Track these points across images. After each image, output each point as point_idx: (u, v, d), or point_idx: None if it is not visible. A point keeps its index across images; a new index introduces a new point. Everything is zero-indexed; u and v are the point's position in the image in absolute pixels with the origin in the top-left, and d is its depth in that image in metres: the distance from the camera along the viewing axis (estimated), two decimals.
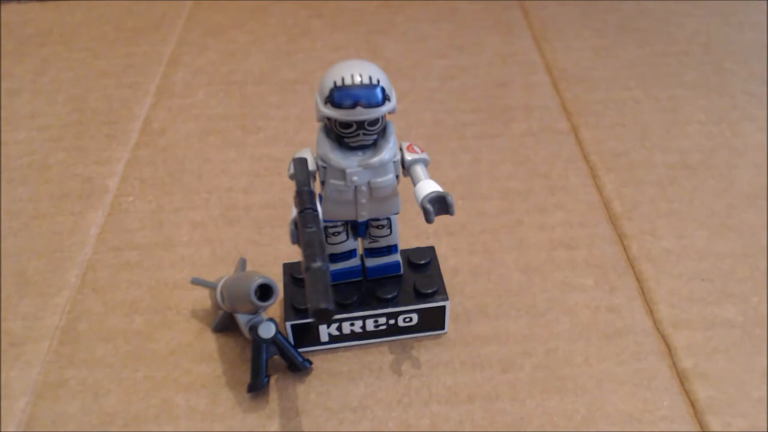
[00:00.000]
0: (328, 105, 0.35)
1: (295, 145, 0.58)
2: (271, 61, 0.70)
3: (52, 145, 0.59)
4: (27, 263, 0.48)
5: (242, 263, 0.46)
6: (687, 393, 0.40)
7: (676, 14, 0.76)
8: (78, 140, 0.60)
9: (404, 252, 0.43)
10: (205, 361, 0.42)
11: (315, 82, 0.65)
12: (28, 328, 0.44)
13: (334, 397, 0.40)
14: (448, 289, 0.42)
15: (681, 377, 0.40)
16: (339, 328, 0.41)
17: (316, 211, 0.34)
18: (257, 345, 0.39)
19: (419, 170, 0.37)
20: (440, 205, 0.35)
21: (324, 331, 0.41)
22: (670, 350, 0.42)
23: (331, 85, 0.34)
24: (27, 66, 0.70)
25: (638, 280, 0.46)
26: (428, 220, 0.35)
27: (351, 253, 0.41)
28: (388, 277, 0.42)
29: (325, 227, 0.40)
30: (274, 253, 0.48)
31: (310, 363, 0.41)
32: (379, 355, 0.42)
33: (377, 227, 0.40)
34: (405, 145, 0.38)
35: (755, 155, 0.56)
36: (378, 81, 0.35)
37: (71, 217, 0.52)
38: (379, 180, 0.37)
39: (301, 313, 0.41)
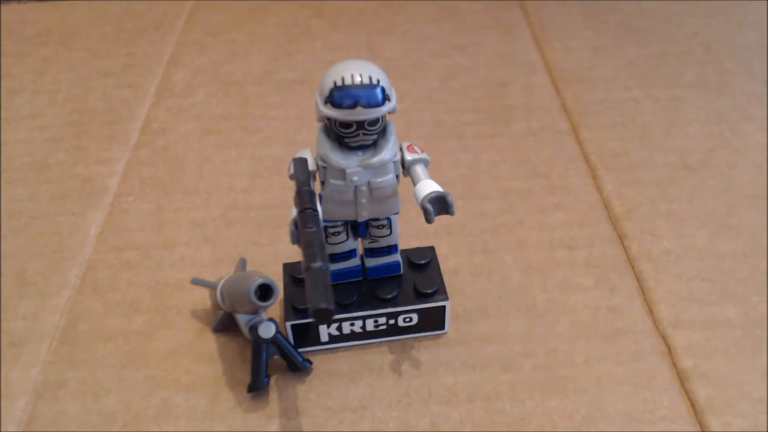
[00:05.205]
0: (328, 105, 0.35)
1: (295, 145, 0.58)
2: (271, 61, 0.70)
3: (52, 145, 0.59)
4: (27, 263, 0.48)
5: (242, 263, 0.46)
6: (687, 393, 0.40)
7: (676, 14, 0.76)
8: (78, 140, 0.60)
9: (404, 252, 0.43)
10: (205, 361, 0.42)
11: (315, 82, 0.65)
12: (28, 328, 0.44)
13: (334, 397, 0.40)
14: (448, 289, 0.42)
15: (681, 377, 0.40)
16: (339, 328, 0.41)
17: (316, 211, 0.34)
18: (257, 345, 0.39)
19: (419, 170, 0.37)
20: (440, 205, 0.35)
21: (324, 331, 0.41)
22: (670, 350, 0.42)
23: (331, 85, 0.34)
24: (27, 66, 0.70)
25: (638, 280, 0.46)
26: (428, 220, 0.35)
27: (351, 253, 0.41)
28: (388, 277, 0.42)
29: (325, 227, 0.40)
30: (274, 253, 0.48)
31: (310, 363, 0.41)
32: (379, 355, 0.42)
33: (377, 227, 0.40)
34: (405, 145, 0.38)
35: (755, 155, 0.56)
36: (378, 81, 0.35)
37: (71, 217, 0.52)
38: (379, 180, 0.37)
39: (301, 313, 0.41)
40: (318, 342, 0.42)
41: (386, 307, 0.41)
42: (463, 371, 0.41)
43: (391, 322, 0.42)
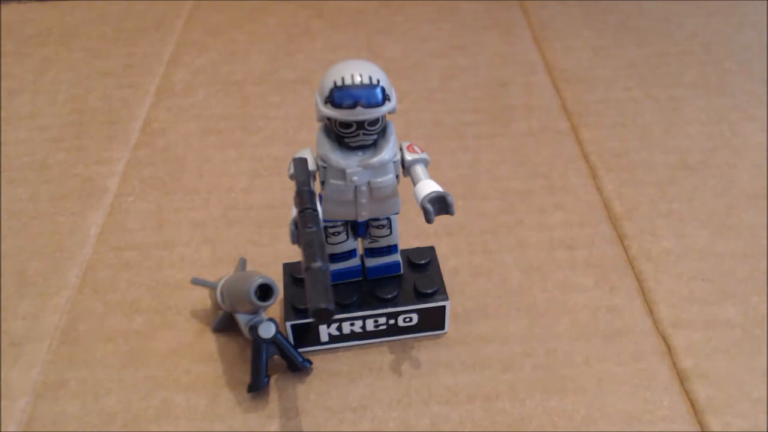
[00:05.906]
0: (328, 105, 0.35)
1: (295, 145, 0.58)
2: (271, 61, 0.70)
3: (52, 145, 0.59)
4: (27, 263, 0.48)
5: (242, 263, 0.46)
6: (687, 393, 0.40)
7: (676, 14, 0.76)
8: (78, 140, 0.60)
9: (404, 252, 0.43)
10: (205, 361, 0.42)
11: (315, 82, 0.65)
12: (28, 328, 0.44)
13: (334, 397, 0.40)
14: (448, 289, 0.42)
15: (681, 377, 0.40)
16: (339, 328, 0.41)
17: (316, 211, 0.34)
18: (257, 345, 0.39)
19: (419, 170, 0.37)
20: (440, 205, 0.35)
21: (324, 331, 0.41)
22: (670, 350, 0.42)
23: (331, 85, 0.34)
24: (27, 66, 0.70)
25: (638, 280, 0.46)
26: (428, 220, 0.35)
27: (351, 253, 0.41)
28: (388, 277, 0.42)
29: (325, 227, 0.40)
30: (274, 253, 0.48)
31: (310, 363, 0.41)
32: (379, 355, 0.42)
33: (377, 227, 0.40)
34: (405, 145, 0.38)
35: (755, 155, 0.56)
36: (378, 81, 0.35)
37: (71, 217, 0.52)
38: (379, 180, 0.37)
39: (301, 313, 0.41)
40: (318, 342, 0.42)
41: (386, 307, 0.41)
42: (463, 371, 0.41)
43: (391, 322, 0.42)
